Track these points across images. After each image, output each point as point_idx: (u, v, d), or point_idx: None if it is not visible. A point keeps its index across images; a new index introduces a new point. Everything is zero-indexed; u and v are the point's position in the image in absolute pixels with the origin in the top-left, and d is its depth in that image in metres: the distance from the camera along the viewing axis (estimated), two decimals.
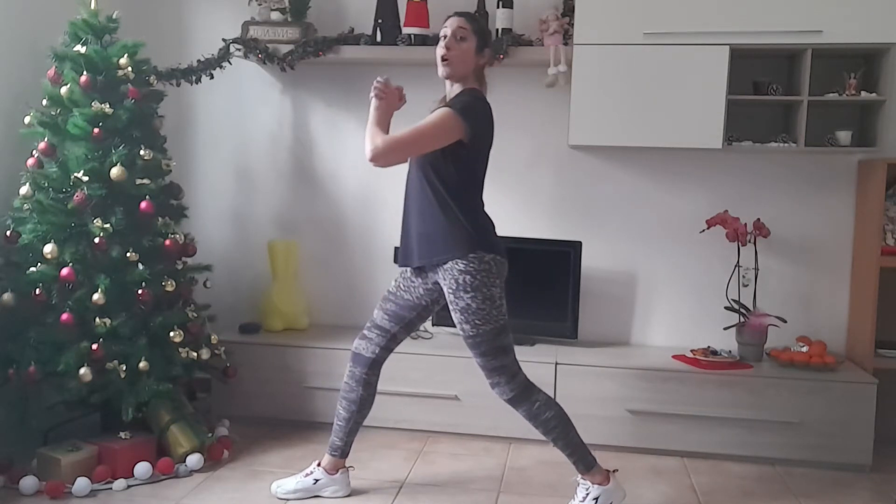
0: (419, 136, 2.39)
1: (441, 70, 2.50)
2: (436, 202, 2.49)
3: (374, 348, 2.72)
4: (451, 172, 2.47)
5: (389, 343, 2.73)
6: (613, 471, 2.67)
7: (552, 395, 3.24)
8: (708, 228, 3.39)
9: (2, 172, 3.05)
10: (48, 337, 2.81)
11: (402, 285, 2.71)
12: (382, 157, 2.37)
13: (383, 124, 2.46)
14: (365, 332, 2.76)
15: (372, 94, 2.48)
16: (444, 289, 2.54)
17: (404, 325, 2.72)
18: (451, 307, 2.54)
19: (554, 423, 2.58)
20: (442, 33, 2.50)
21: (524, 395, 2.57)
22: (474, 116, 2.45)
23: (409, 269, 2.68)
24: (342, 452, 2.80)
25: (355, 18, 3.62)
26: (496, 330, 2.51)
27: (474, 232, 2.49)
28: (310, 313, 3.75)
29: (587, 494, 2.61)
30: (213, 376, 3.33)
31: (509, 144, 3.62)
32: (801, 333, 3.48)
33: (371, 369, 2.73)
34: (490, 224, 2.59)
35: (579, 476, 2.65)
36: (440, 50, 2.48)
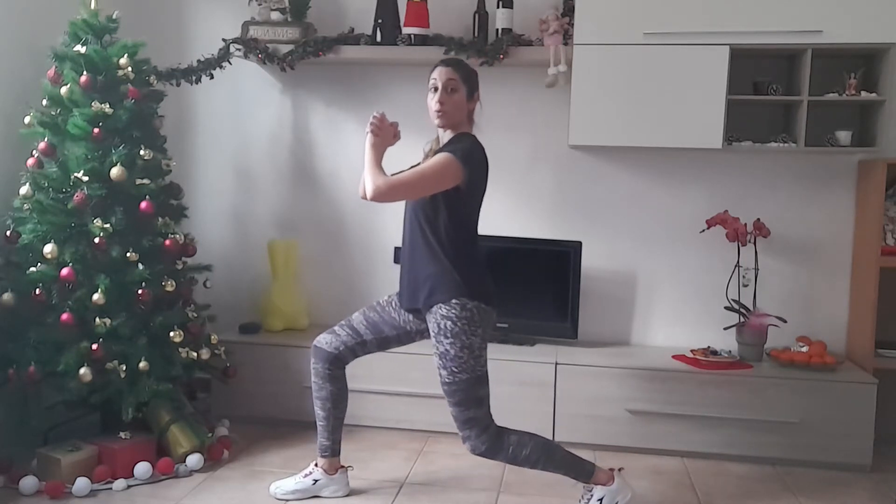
0: (420, 179, 2.41)
1: (437, 122, 2.52)
2: (425, 246, 2.50)
3: (338, 345, 2.70)
4: (442, 217, 2.47)
5: (357, 347, 2.72)
6: (619, 469, 2.67)
7: (552, 396, 3.26)
8: (708, 228, 3.39)
9: (2, 172, 3.05)
10: (48, 337, 2.81)
11: (393, 303, 2.70)
12: (382, 198, 2.39)
13: (380, 162, 2.48)
14: (335, 328, 2.75)
15: (368, 129, 2.50)
16: (430, 330, 2.54)
17: (379, 338, 2.71)
18: (433, 350, 2.52)
19: (535, 456, 2.53)
20: (432, 84, 2.52)
21: (496, 446, 2.50)
22: (474, 162, 2.47)
23: None
24: (332, 451, 2.79)
25: (355, 18, 3.62)
26: (472, 380, 2.47)
27: (460, 278, 2.46)
28: (310, 313, 3.75)
29: (591, 496, 2.61)
30: (213, 376, 3.33)
31: (509, 144, 3.62)
32: (801, 333, 3.48)
33: (332, 364, 2.71)
34: (480, 270, 2.54)
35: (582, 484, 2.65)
36: (434, 104, 2.50)
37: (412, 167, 2.55)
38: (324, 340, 2.73)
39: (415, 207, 2.53)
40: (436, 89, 2.50)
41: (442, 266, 2.47)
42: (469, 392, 2.47)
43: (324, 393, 2.73)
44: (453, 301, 2.45)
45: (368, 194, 2.41)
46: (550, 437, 3.27)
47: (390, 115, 3.63)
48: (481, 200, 2.57)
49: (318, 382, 2.73)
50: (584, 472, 2.60)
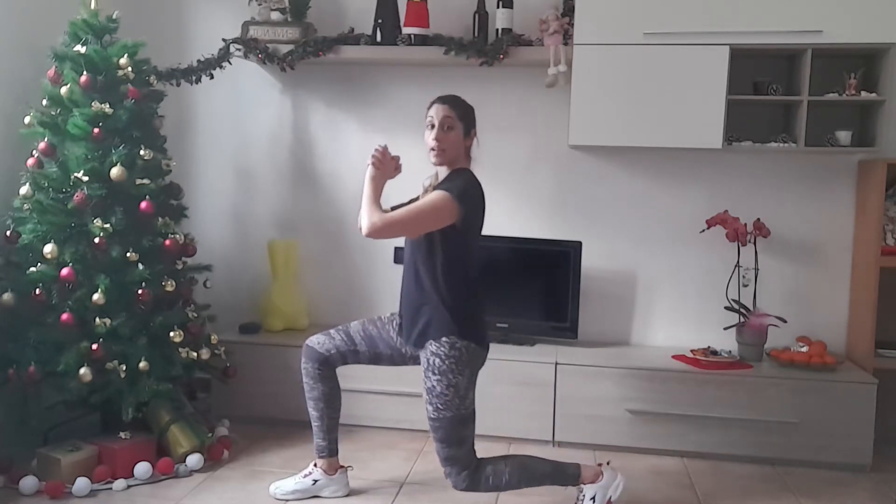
0: (415, 218, 2.42)
1: (434, 160, 2.53)
2: (420, 282, 2.52)
3: (330, 347, 2.71)
4: (438, 254, 2.48)
5: (348, 354, 2.72)
6: (607, 462, 2.68)
7: (552, 396, 3.26)
8: (708, 228, 3.39)
9: (2, 172, 3.05)
10: (48, 337, 2.81)
11: (395, 322, 2.70)
12: (378, 235, 2.41)
13: (378, 197, 2.49)
14: (331, 331, 2.75)
15: (369, 161, 2.51)
16: (421, 364, 2.54)
17: (372, 352, 2.71)
18: (423, 383, 2.52)
19: (515, 479, 2.54)
20: (428, 122, 2.52)
21: (475, 481, 2.51)
22: (469, 200, 2.47)
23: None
24: (329, 451, 2.79)
25: (355, 18, 3.62)
26: (455, 419, 2.47)
27: (451, 317, 2.47)
28: (310, 313, 3.75)
29: (584, 497, 2.61)
30: (213, 376, 3.33)
31: (509, 144, 3.62)
32: (801, 333, 3.48)
33: (322, 365, 2.71)
34: (474, 309, 2.54)
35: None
36: (431, 142, 2.50)
37: (411, 200, 2.56)
38: (316, 341, 2.74)
39: (412, 243, 2.54)
40: (432, 127, 2.51)
41: (435, 305, 2.49)
42: (451, 430, 2.47)
43: (315, 393, 2.73)
44: (443, 339, 2.46)
45: (364, 230, 2.42)
46: (550, 438, 3.27)
47: (390, 114, 3.68)
48: (478, 237, 2.57)
49: (309, 383, 2.74)
50: (570, 476, 2.61)
